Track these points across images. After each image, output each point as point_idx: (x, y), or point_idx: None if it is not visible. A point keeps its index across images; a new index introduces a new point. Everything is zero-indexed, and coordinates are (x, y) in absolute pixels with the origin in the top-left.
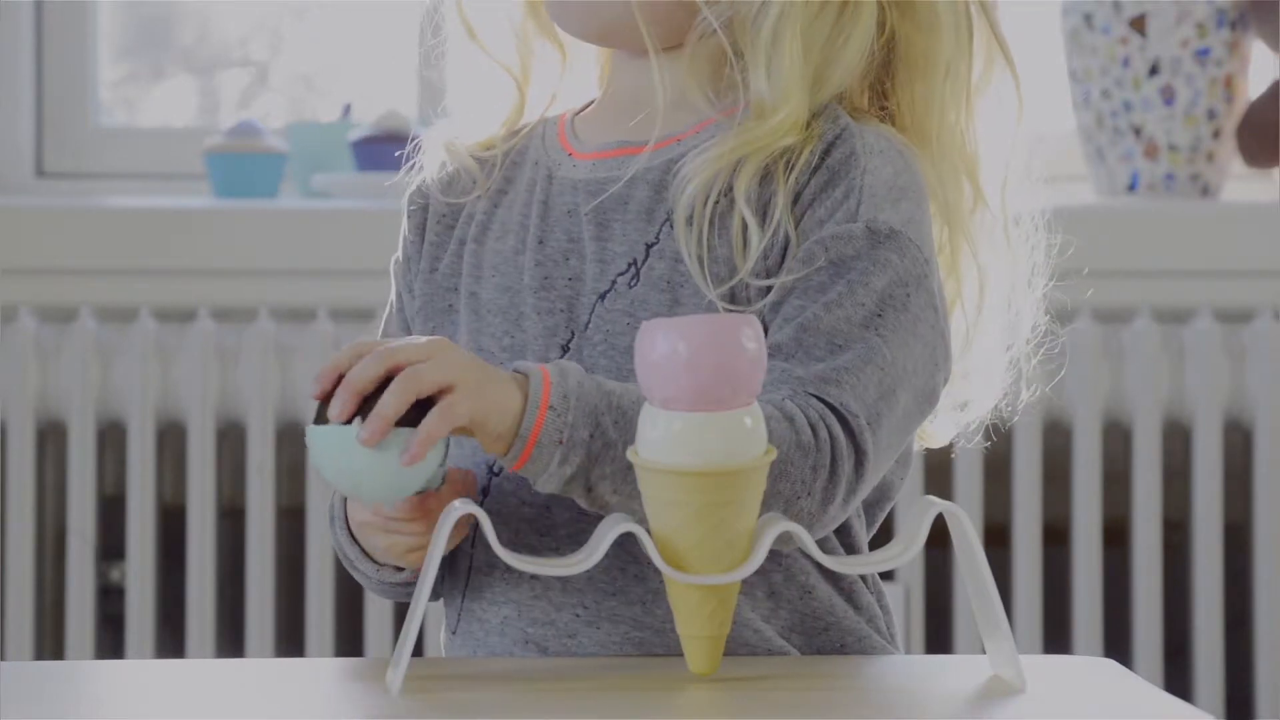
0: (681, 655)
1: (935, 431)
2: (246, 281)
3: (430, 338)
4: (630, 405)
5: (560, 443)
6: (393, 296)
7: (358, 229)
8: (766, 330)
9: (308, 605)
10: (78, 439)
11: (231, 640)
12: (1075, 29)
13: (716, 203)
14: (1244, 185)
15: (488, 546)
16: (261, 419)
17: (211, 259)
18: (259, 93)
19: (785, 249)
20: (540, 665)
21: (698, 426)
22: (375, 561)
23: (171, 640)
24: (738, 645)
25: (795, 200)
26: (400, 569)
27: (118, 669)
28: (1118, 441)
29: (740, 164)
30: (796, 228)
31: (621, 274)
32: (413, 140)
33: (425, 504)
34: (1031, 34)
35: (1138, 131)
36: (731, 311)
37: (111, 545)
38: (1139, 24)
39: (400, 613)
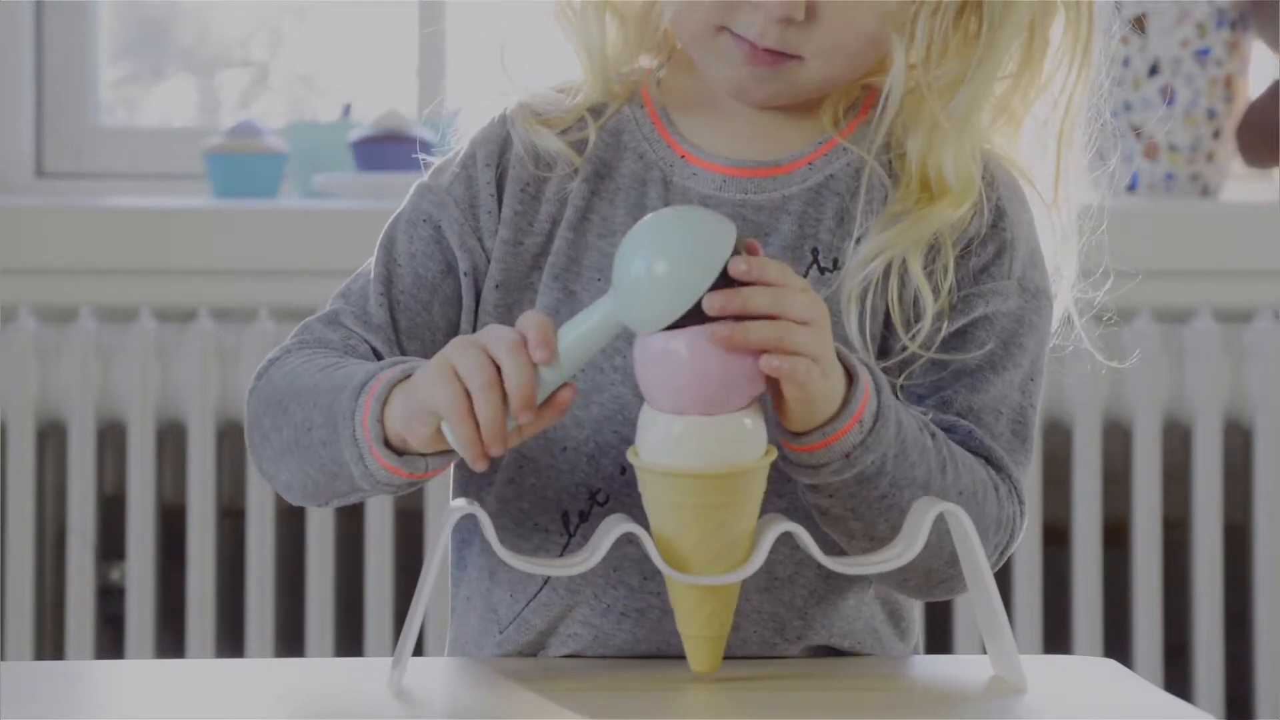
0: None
1: None
2: (246, 281)
3: (816, 298)
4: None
5: (847, 456)
6: (422, 216)
7: (358, 229)
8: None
9: (308, 605)
10: (78, 439)
11: (231, 640)
12: None
13: (888, 282)
14: (1244, 185)
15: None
16: None
17: (211, 259)
18: (259, 93)
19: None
20: (540, 665)
21: (698, 429)
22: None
23: (171, 640)
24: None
25: (960, 260)
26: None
27: (118, 669)
28: (1118, 441)
29: (916, 243)
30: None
31: None
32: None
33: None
34: None
35: (1138, 131)
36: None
37: (111, 545)
38: (1139, 24)
39: (400, 613)
